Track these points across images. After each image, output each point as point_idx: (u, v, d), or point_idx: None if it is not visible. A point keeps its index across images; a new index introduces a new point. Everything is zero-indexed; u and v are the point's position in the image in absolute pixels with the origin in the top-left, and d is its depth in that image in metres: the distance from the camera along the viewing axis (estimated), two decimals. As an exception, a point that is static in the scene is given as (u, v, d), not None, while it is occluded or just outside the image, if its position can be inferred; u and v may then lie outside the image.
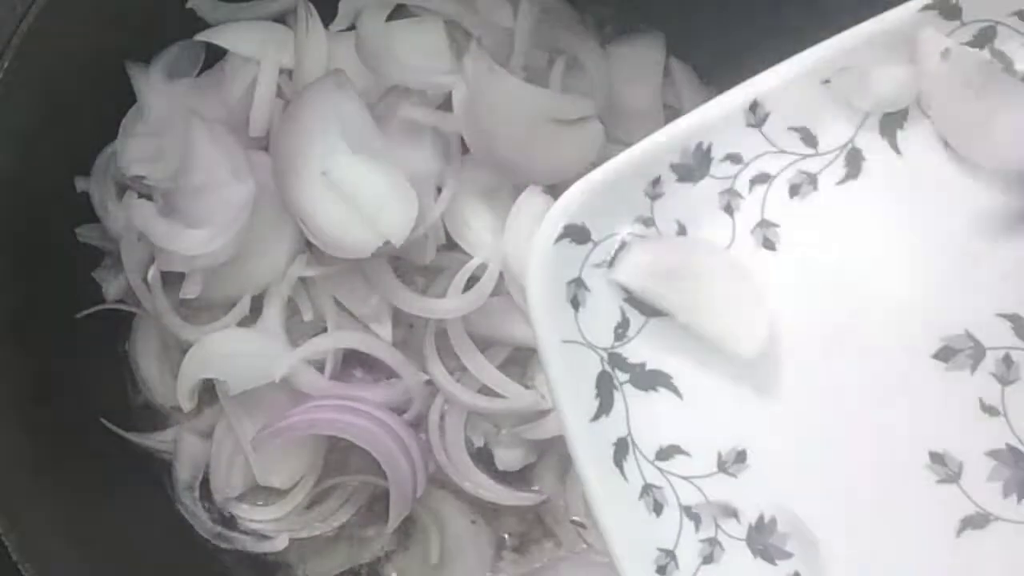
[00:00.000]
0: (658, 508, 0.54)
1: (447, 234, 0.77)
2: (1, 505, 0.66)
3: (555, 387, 0.54)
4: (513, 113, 0.74)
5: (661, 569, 0.54)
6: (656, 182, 0.56)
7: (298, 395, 0.76)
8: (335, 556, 0.81)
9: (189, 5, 0.78)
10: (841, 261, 0.56)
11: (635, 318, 0.56)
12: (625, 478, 0.54)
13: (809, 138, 0.57)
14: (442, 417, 0.78)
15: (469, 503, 0.80)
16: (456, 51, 0.79)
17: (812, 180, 0.57)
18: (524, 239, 0.75)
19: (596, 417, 0.54)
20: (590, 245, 0.55)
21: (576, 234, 0.55)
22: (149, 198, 0.76)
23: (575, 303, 0.55)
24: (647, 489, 0.54)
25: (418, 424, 0.78)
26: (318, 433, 0.76)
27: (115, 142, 0.78)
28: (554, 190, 0.77)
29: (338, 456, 0.79)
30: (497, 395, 0.77)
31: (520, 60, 0.79)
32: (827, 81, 0.55)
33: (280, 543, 0.79)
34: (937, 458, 0.54)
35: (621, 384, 0.55)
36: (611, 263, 0.56)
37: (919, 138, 0.56)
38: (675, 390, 0.56)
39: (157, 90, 0.78)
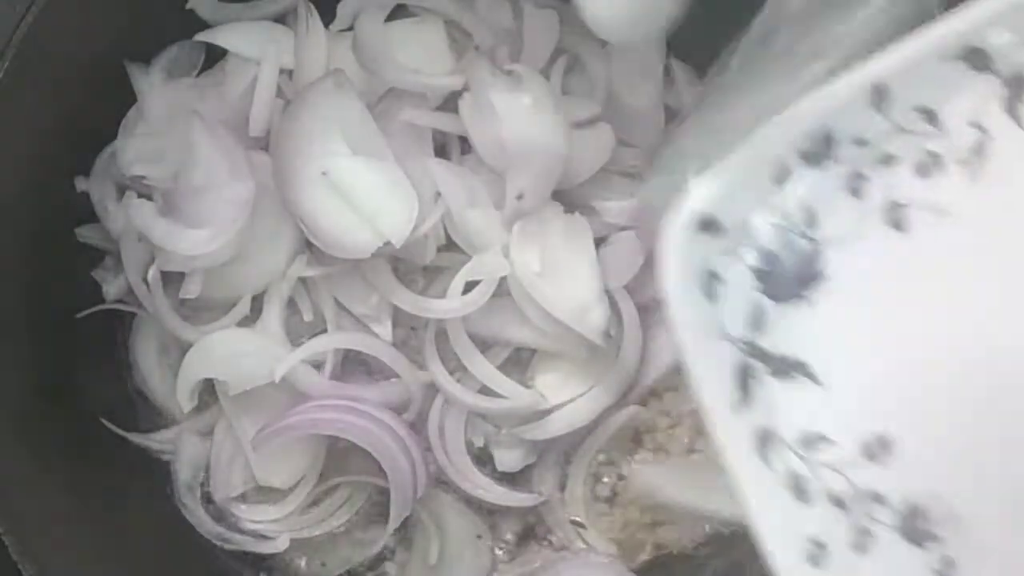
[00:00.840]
0: (805, 498, 0.54)
1: (447, 234, 0.77)
2: (1, 505, 0.66)
3: (696, 379, 0.54)
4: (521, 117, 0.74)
5: (813, 560, 0.53)
6: (782, 168, 0.55)
7: (298, 395, 0.76)
8: (335, 556, 0.81)
9: (189, 5, 0.78)
10: (974, 238, 0.56)
11: (770, 306, 0.56)
12: (770, 468, 0.54)
13: (933, 118, 0.56)
14: (442, 417, 0.78)
15: (469, 503, 0.80)
16: (456, 51, 0.79)
17: (938, 160, 0.57)
18: (531, 242, 0.76)
19: (737, 408, 0.54)
20: (721, 234, 0.55)
21: (706, 224, 0.54)
22: (149, 198, 0.76)
23: (709, 294, 0.55)
24: (793, 478, 0.54)
25: (418, 424, 0.78)
26: (318, 433, 0.76)
27: (115, 142, 0.78)
28: (565, 195, 0.78)
29: (338, 456, 0.79)
30: (497, 395, 0.77)
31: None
32: (951, 58, 0.55)
33: (281, 544, 0.79)
34: None
35: (760, 373, 0.55)
36: (744, 251, 0.56)
37: None
38: (815, 377, 0.56)
39: (157, 90, 0.78)
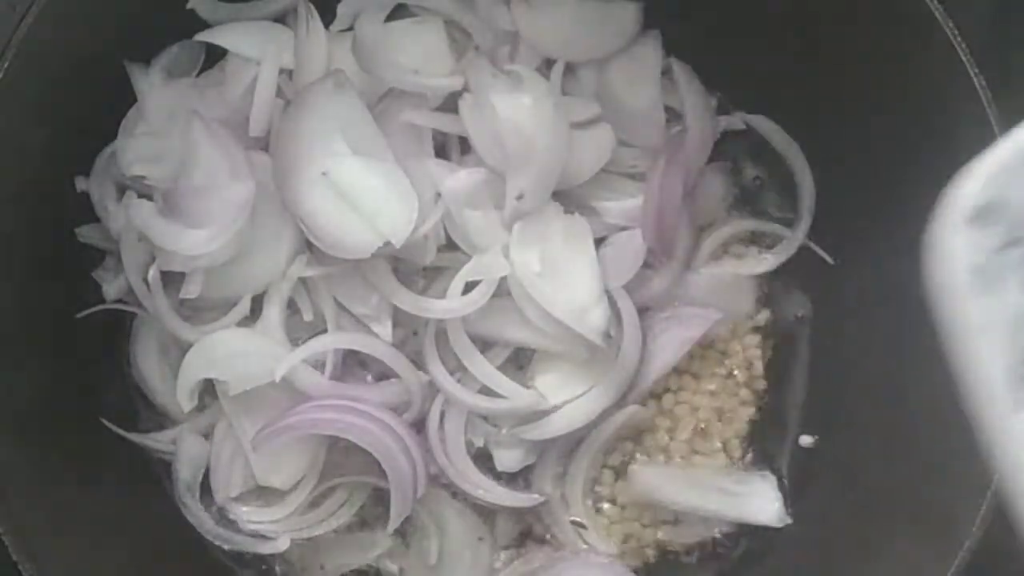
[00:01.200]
0: None
1: (447, 234, 0.77)
2: (1, 505, 0.66)
3: (972, 381, 0.51)
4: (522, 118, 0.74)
5: None
6: None
7: (298, 395, 0.76)
8: (335, 557, 0.81)
9: (189, 5, 0.78)
10: None
11: None
12: None
13: None
14: (442, 418, 0.78)
15: (469, 504, 0.80)
16: (456, 51, 0.79)
17: None
18: (531, 242, 0.76)
19: (1017, 411, 0.50)
20: (996, 226, 0.51)
21: (981, 216, 0.51)
22: (149, 198, 0.76)
23: (984, 290, 0.51)
24: None
25: (418, 424, 0.78)
26: (318, 433, 0.76)
27: (115, 142, 0.78)
28: (565, 195, 0.78)
29: (338, 456, 0.79)
30: (497, 395, 0.77)
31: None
32: None
33: (281, 544, 0.79)
34: None
35: None
36: (1022, 241, 0.52)
37: None
38: None
39: (157, 90, 0.78)
